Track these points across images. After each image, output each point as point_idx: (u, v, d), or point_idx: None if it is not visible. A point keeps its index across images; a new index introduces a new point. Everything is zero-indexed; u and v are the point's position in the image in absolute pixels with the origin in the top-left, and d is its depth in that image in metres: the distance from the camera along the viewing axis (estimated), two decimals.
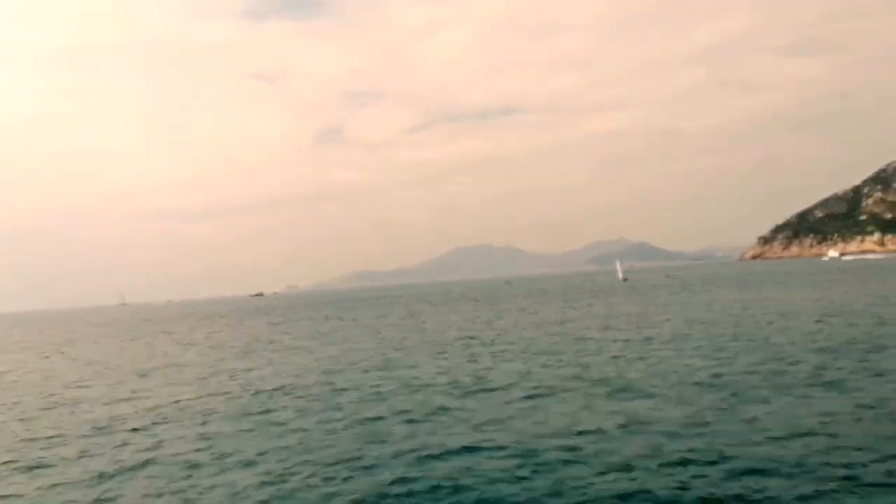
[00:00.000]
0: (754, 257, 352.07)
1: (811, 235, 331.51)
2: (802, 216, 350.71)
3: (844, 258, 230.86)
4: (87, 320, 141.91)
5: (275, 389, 23.08)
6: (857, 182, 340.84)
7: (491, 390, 20.18)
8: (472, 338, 37.01)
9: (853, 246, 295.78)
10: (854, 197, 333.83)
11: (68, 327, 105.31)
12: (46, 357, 46.05)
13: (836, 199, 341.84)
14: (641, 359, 24.39)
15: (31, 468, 14.89)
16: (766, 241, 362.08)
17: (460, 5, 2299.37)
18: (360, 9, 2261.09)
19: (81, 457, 15.50)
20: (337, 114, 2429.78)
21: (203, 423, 18.25)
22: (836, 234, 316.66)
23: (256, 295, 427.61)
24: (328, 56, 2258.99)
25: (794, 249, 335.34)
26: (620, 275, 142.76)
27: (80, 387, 27.91)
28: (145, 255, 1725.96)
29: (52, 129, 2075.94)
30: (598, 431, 14.43)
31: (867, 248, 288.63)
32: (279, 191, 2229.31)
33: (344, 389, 22.05)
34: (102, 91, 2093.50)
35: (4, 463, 15.50)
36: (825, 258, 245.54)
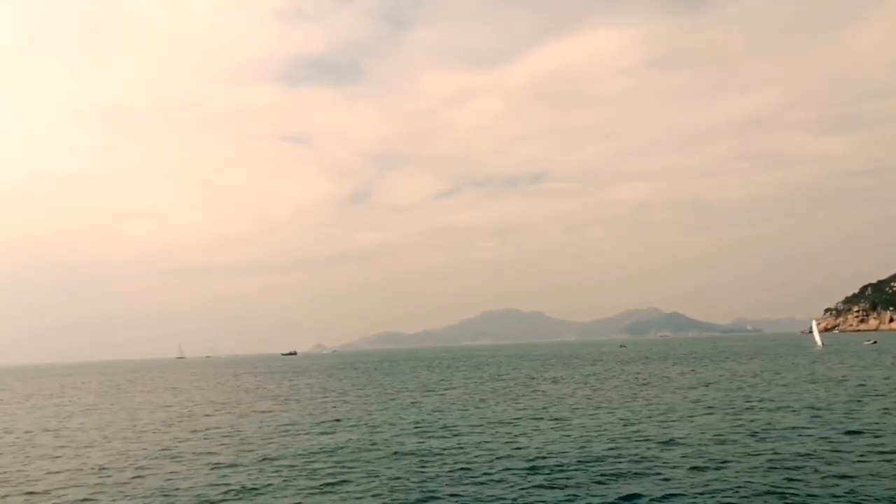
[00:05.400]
0: (827, 329, 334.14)
1: (891, 308, 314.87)
2: (878, 288, 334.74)
3: None
4: (243, 371, 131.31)
5: None
6: None
7: None
8: None
9: None
10: None
11: (244, 378, 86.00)
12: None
13: None
14: None
15: None
16: (838, 313, 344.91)
17: (490, 74, 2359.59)
18: (393, 76, 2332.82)
19: None
20: (366, 177, 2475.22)
21: None
22: None
23: (290, 354, 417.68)
24: (359, 120, 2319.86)
25: (872, 322, 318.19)
26: (819, 340, 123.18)
27: None
28: (177, 311, 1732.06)
29: (87, 185, 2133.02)
30: None
31: None
32: (307, 251, 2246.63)
33: None
34: (139, 150, 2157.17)
35: None
36: None
